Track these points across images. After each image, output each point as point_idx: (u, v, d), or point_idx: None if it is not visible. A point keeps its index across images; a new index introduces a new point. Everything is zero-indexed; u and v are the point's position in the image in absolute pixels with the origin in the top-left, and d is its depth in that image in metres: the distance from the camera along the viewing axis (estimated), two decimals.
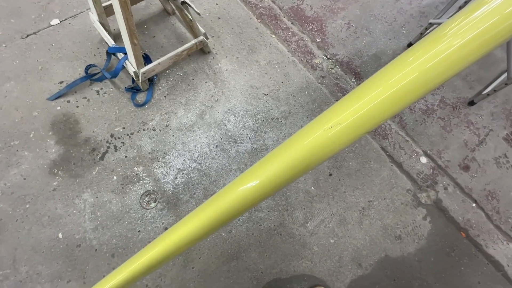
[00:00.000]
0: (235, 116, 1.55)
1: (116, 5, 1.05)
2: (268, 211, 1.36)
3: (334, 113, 0.54)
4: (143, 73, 1.40)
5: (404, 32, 1.90)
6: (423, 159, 1.53)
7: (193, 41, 1.50)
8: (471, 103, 1.64)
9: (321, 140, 0.52)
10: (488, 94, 1.53)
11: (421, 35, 1.73)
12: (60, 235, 1.23)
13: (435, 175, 1.50)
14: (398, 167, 1.51)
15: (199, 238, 0.63)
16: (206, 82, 1.62)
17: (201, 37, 1.51)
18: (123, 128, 1.46)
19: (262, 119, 1.56)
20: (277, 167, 0.56)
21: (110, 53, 1.51)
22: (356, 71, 1.74)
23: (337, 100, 1.65)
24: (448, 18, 1.55)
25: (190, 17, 1.26)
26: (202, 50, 1.66)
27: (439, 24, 1.56)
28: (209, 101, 1.57)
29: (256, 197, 0.57)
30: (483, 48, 0.50)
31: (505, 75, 1.47)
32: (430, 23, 1.60)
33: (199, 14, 1.16)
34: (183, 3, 1.17)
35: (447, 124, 1.62)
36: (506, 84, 1.40)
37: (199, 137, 1.48)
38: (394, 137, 1.58)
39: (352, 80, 1.72)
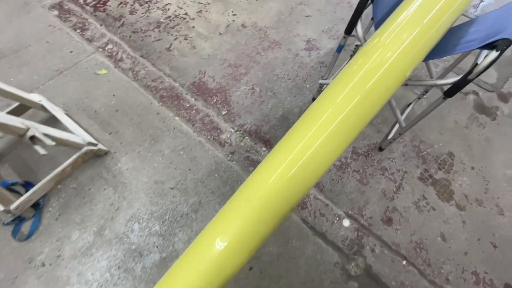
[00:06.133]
0: (139, 223, 1.41)
1: None
2: None
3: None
4: (15, 209, 1.23)
5: (308, 86, 1.92)
6: (346, 222, 1.47)
7: (75, 155, 1.37)
8: (380, 148, 1.65)
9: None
10: (390, 142, 1.54)
11: (319, 92, 1.75)
12: None
13: (360, 238, 1.43)
14: (322, 239, 1.42)
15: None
16: (104, 189, 1.48)
17: (85, 149, 1.39)
18: (3, 275, 1.24)
19: (170, 219, 1.43)
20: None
21: None
22: (266, 138, 1.70)
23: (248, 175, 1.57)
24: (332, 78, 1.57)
25: (41, 153, 1.07)
26: (96, 154, 1.54)
27: (327, 84, 1.58)
28: (108, 212, 1.42)
29: None
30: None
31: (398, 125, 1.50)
32: (320, 84, 1.63)
33: (46, 154, 1.03)
34: (32, 138, 1.04)
35: (362, 176, 1.60)
36: (400, 134, 1.41)
37: (98, 261, 1.30)
38: (313, 204, 1.51)
39: (263, 149, 1.67)
